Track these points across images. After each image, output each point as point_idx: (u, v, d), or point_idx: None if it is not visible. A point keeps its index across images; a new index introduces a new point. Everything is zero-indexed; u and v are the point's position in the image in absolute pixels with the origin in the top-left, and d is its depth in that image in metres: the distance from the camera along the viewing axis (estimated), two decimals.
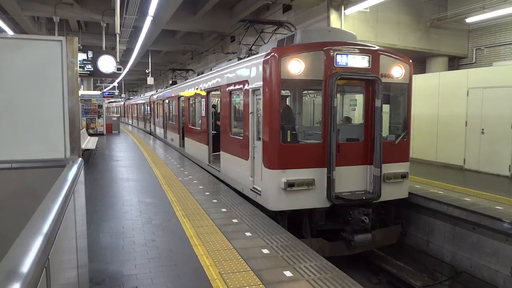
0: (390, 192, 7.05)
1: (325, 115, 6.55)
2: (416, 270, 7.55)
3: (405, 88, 7.39)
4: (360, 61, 6.73)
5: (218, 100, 12.72)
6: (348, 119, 9.33)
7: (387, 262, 7.73)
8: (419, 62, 15.15)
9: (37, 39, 3.67)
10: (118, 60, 14.37)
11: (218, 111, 12.02)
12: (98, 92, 26.49)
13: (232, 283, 3.82)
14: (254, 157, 7.20)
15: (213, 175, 9.82)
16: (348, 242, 6.66)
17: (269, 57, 6.53)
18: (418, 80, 9.86)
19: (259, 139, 6.96)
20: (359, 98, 9.59)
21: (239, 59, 8.91)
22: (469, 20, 13.22)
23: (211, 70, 11.49)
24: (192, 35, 24.77)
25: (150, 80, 28.09)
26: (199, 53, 26.14)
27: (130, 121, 39.22)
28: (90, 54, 13.72)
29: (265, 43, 8.60)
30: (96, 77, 20.11)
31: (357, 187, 6.86)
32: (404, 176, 7.22)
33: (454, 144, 10.77)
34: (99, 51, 14.56)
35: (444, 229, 7.22)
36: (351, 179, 6.80)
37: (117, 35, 12.86)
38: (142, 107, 29.11)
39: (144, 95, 32.44)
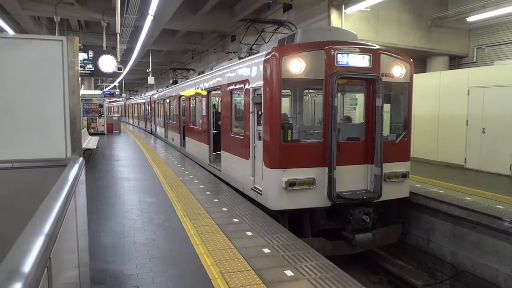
0: (391, 192, 7.04)
1: (325, 115, 6.55)
2: (417, 269, 7.55)
3: (406, 87, 7.39)
4: (360, 60, 6.72)
5: (219, 100, 12.72)
6: (348, 119, 9.32)
7: (388, 261, 7.73)
8: (420, 61, 15.13)
9: (38, 38, 3.68)
10: (118, 59, 14.40)
11: (219, 110, 12.02)
12: (99, 92, 26.49)
13: (233, 282, 3.82)
14: (255, 157, 7.20)
15: (214, 174, 9.82)
16: (349, 241, 6.66)
17: (269, 56, 6.53)
18: (419, 79, 9.85)
19: (259, 138, 6.96)
20: (360, 97, 9.58)
21: (240, 58, 8.90)
22: (470, 19, 13.20)
23: (211, 69, 11.49)
24: (193, 34, 24.77)
25: (150, 80, 28.12)
26: (200, 52, 26.15)
27: (131, 121, 39.24)
28: (91, 53, 13.75)
29: (265, 43, 8.60)
30: (96, 76, 20.13)
31: (358, 186, 6.86)
32: (405, 175, 7.21)
33: (455, 143, 10.76)
34: (99, 50, 14.59)
35: (444, 228, 7.21)
36: (352, 179, 6.79)
37: (118, 35, 12.88)
38: (143, 106, 29.12)
39: (144, 94, 32.45)
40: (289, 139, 6.65)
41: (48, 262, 1.34)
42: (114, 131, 25.08)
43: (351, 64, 6.63)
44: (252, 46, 9.29)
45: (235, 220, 5.92)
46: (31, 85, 3.36)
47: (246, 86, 7.54)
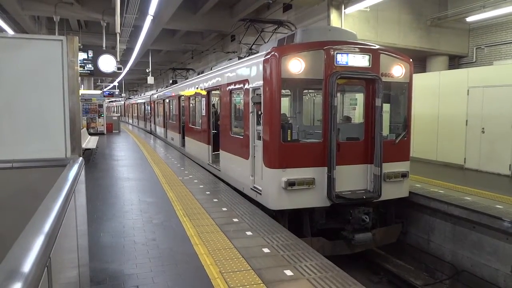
0: (391, 191, 7.05)
1: (325, 114, 6.55)
2: (417, 269, 7.55)
3: (406, 87, 7.39)
4: (360, 60, 6.72)
5: (218, 100, 12.73)
6: (348, 118, 9.33)
7: (387, 261, 7.73)
8: (420, 61, 15.14)
9: (38, 38, 3.67)
10: (118, 59, 14.37)
11: (218, 110, 12.01)
12: (99, 92, 26.49)
13: (232, 282, 3.82)
14: (254, 156, 7.20)
15: (213, 174, 9.82)
16: (348, 241, 6.67)
17: (269, 56, 6.53)
18: (419, 79, 9.86)
19: (259, 138, 6.96)
20: (360, 97, 9.59)
21: (240, 58, 8.91)
22: (469, 19, 13.20)
23: (211, 69, 11.48)
24: (193, 34, 24.77)
25: (150, 80, 28.11)
26: (200, 52, 26.14)
27: (130, 121, 39.22)
28: (91, 53, 13.72)
29: (265, 42, 8.59)
30: (96, 76, 20.10)
31: (358, 186, 6.86)
32: (404, 175, 7.22)
33: (455, 143, 10.76)
34: (99, 50, 14.56)
35: (444, 228, 7.22)
36: (352, 178, 6.80)
37: (118, 35, 12.87)
38: (143, 106, 29.10)
39: (144, 94, 32.43)
40: (289, 139, 6.65)
41: (48, 261, 1.34)
42: (113, 131, 25.07)
43: (350, 64, 6.64)
44: (251, 46, 9.29)
45: (235, 220, 5.92)
46: (30, 85, 3.35)
47: (246, 86, 7.54)
